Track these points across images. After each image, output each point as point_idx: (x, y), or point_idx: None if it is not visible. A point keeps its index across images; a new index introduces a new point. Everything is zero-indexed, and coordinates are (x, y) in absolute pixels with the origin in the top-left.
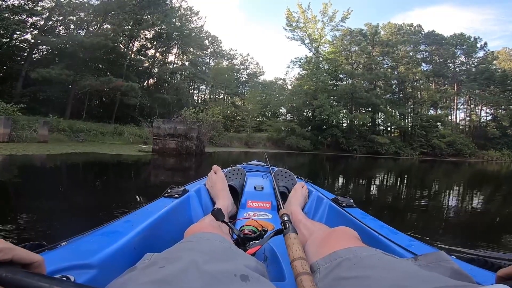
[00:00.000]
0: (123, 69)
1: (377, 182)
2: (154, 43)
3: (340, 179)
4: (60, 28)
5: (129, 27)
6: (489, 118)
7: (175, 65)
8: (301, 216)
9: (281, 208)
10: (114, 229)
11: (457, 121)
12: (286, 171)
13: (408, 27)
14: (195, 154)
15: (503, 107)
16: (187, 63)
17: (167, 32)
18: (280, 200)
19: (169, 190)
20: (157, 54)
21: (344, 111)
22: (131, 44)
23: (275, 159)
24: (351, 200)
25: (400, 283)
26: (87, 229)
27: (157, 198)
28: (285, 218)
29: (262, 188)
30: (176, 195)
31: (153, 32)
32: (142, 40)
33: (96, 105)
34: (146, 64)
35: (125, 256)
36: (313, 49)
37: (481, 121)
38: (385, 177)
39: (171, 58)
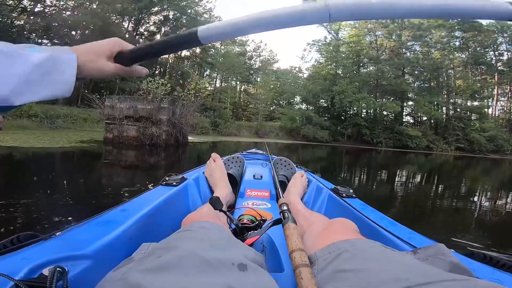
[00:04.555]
0: None
1: (406, 181)
2: (161, 28)
3: (362, 176)
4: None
5: (122, 5)
6: None
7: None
8: (300, 206)
9: (280, 197)
10: (110, 219)
11: (497, 114)
12: (285, 159)
13: None
14: (164, 146)
15: None
16: (198, 50)
17: (175, 16)
18: (279, 189)
19: (167, 178)
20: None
21: (370, 98)
22: (137, 28)
23: (288, 151)
24: (351, 190)
25: (399, 276)
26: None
27: (154, 186)
28: (284, 208)
29: (261, 176)
30: (174, 183)
31: (160, 16)
32: (149, 24)
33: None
34: None
35: (121, 247)
36: (332, 32)
37: None
38: (419, 176)
39: None
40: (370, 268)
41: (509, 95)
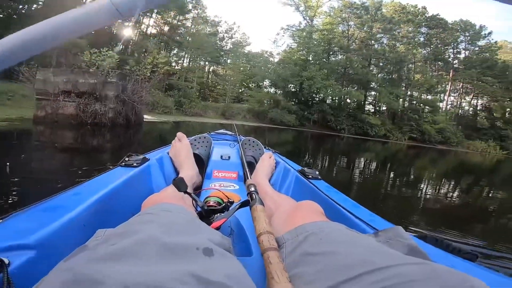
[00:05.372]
0: None
1: (368, 168)
2: None
3: (326, 162)
4: None
5: None
6: (479, 108)
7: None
8: (268, 187)
9: (248, 179)
10: (59, 204)
11: (447, 108)
12: (254, 140)
13: (413, 8)
14: (110, 126)
15: (498, 98)
16: (166, 29)
17: None
18: (247, 170)
19: (126, 159)
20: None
21: (337, 85)
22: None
23: (255, 134)
24: (317, 172)
25: (365, 258)
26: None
27: (112, 168)
28: (252, 189)
29: (229, 157)
30: (135, 164)
31: None
32: None
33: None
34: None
35: (74, 234)
36: (307, 18)
37: (471, 110)
38: (376, 165)
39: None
40: (337, 251)
41: (460, 92)
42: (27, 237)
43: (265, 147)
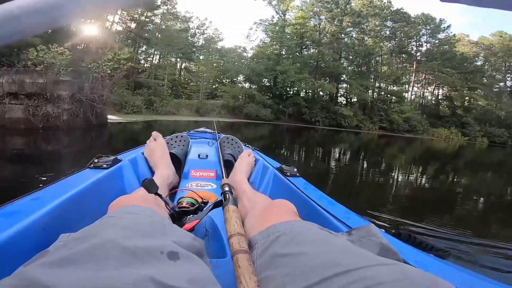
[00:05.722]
0: None
1: (343, 159)
2: None
3: (302, 155)
4: None
5: None
6: (440, 97)
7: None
8: (246, 186)
9: (224, 177)
10: (20, 208)
11: (412, 98)
12: (232, 137)
13: (379, 2)
14: (67, 129)
15: (458, 87)
16: (133, 25)
17: None
18: (223, 169)
19: (95, 160)
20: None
21: (310, 78)
22: None
23: (231, 130)
24: (295, 169)
25: (334, 260)
26: None
27: (80, 170)
28: (226, 189)
29: (207, 156)
30: (105, 166)
31: None
32: None
33: None
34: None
35: (33, 239)
36: (280, 12)
37: (433, 100)
38: (351, 154)
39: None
40: (306, 251)
41: (423, 82)
42: None
43: (244, 145)
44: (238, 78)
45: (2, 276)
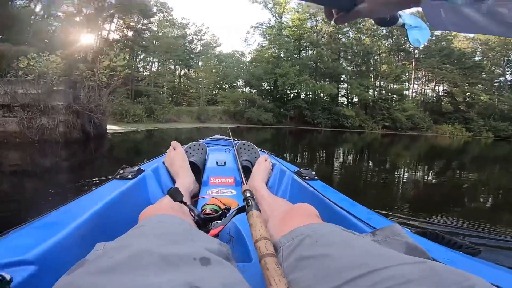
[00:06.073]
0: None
1: (348, 160)
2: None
3: (307, 157)
4: None
5: None
6: (441, 94)
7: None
8: (264, 191)
9: (244, 184)
10: (56, 219)
11: (413, 96)
12: (249, 144)
13: None
14: (64, 142)
15: (458, 83)
16: (130, 33)
17: None
18: (242, 174)
19: (121, 171)
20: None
21: (310, 80)
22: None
23: (234, 135)
24: (313, 172)
25: (359, 261)
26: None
27: (107, 181)
28: (248, 195)
29: (225, 163)
30: (130, 176)
31: None
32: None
33: None
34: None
35: (73, 248)
36: (276, 15)
37: (435, 96)
38: (356, 154)
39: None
40: (331, 253)
41: (423, 80)
42: (28, 253)
43: (260, 150)
44: (238, 83)
45: (45, 285)
